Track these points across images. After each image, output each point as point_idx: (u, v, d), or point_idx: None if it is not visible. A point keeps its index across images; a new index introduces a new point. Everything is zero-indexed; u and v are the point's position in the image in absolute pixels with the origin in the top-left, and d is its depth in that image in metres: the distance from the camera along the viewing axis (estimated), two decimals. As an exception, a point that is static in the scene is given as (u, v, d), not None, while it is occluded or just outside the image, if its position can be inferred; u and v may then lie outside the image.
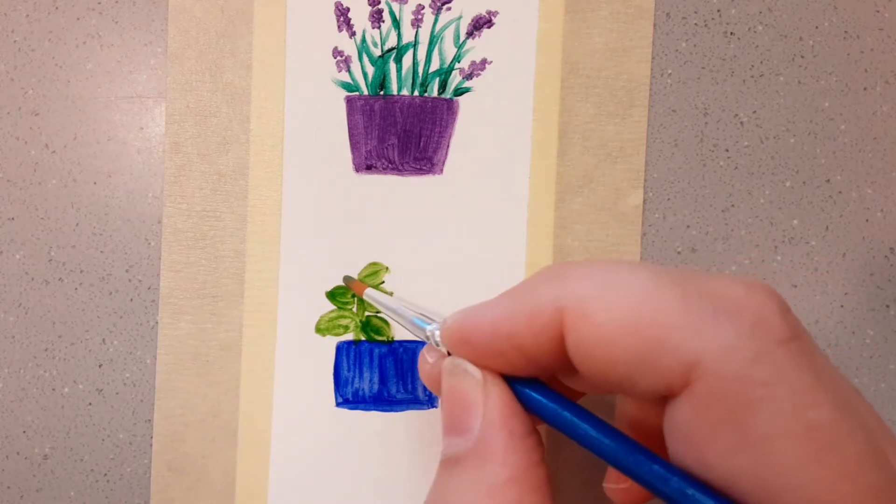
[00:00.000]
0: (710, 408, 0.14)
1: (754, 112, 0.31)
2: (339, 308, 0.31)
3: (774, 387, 0.13)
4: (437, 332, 0.20)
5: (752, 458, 0.13)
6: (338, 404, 0.30)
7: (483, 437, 0.16)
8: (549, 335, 0.16)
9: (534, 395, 0.17)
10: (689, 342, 0.14)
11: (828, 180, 0.31)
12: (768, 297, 0.15)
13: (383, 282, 0.31)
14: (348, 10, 0.31)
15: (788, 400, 0.13)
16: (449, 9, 0.31)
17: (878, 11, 0.31)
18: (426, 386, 0.21)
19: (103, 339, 0.31)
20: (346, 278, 0.30)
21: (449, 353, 0.19)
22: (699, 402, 0.14)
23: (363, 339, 0.30)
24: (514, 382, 0.18)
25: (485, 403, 0.17)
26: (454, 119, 0.31)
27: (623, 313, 0.15)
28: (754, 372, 0.14)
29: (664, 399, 0.15)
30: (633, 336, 0.15)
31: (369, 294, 0.27)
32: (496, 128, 0.31)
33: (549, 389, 0.18)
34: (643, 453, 0.15)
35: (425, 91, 0.31)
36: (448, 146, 0.31)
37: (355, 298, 0.31)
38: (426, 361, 0.21)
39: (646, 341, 0.15)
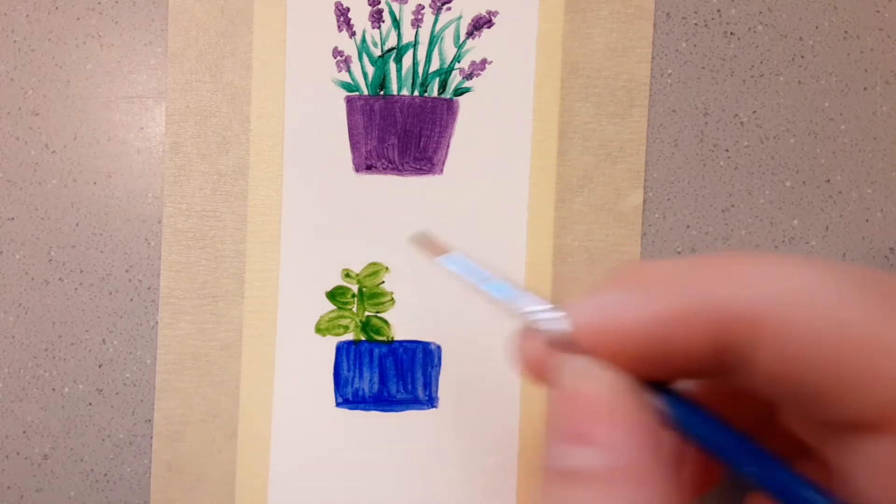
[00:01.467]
0: None
1: (754, 112, 0.31)
2: (339, 308, 0.31)
3: None
4: (550, 321, 0.17)
5: None
6: (338, 404, 0.30)
7: (623, 453, 0.14)
8: (723, 343, 0.14)
9: (674, 406, 0.15)
10: None
11: (828, 180, 0.31)
12: None
13: (383, 282, 0.31)
14: (348, 10, 0.31)
15: None
16: (449, 9, 0.31)
17: (878, 11, 0.31)
18: (524, 373, 0.18)
19: (103, 339, 0.31)
20: (419, 237, 0.23)
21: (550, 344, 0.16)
22: None
23: (363, 339, 0.30)
24: (655, 390, 0.15)
25: (625, 414, 0.14)
26: (454, 119, 0.31)
27: (822, 330, 0.13)
28: None
29: (847, 431, 0.14)
30: (834, 359, 0.13)
31: (449, 259, 0.21)
32: (496, 128, 0.31)
33: (688, 401, 0.15)
34: (825, 494, 0.14)
35: (425, 91, 0.31)
36: (448, 146, 0.31)
37: (355, 298, 0.31)
38: (528, 346, 0.17)
39: (850, 366, 0.13)
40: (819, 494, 0.13)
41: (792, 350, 0.13)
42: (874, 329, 0.12)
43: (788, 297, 0.13)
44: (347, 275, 0.31)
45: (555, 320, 0.16)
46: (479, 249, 0.31)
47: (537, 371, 0.17)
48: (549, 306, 0.17)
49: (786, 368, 0.13)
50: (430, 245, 0.22)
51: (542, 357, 0.16)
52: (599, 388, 0.15)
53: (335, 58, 0.31)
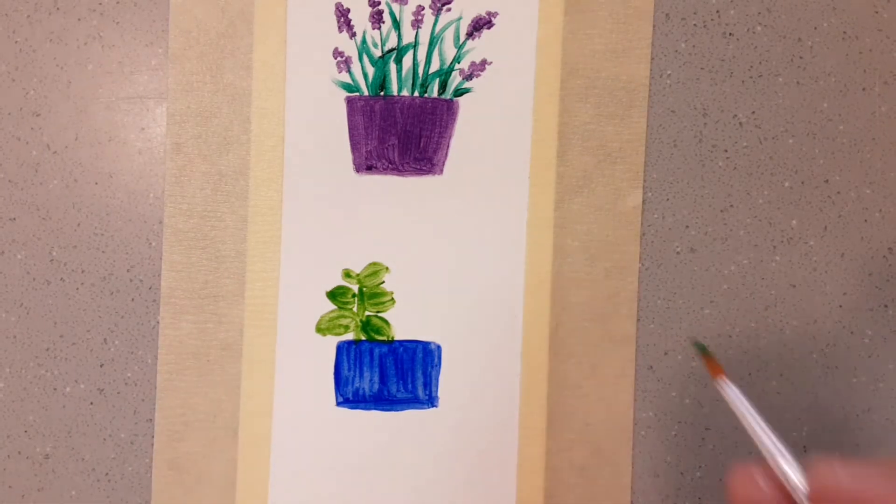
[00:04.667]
0: None
1: (753, 113, 0.31)
2: (339, 308, 0.31)
3: None
4: (793, 474, 0.18)
5: None
6: (338, 404, 0.30)
7: None
8: None
9: None
10: None
11: (826, 181, 0.31)
12: None
13: (383, 282, 0.31)
14: (348, 10, 0.31)
15: None
16: (449, 10, 0.31)
17: (876, 12, 0.31)
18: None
19: (104, 339, 0.31)
20: (701, 348, 0.24)
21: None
22: None
23: (363, 338, 0.31)
24: None
25: None
26: (454, 119, 0.31)
27: None
28: None
29: None
30: None
31: (731, 393, 0.21)
32: (496, 128, 0.31)
33: None
34: None
35: (425, 92, 0.31)
36: (448, 146, 0.31)
37: (355, 298, 0.31)
38: (754, 484, 0.18)
39: None
40: None
41: None
42: None
43: None
44: (348, 275, 0.31)
45: (798, 477, 0.17)
46: (480, 249, 0.31)
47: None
48: (795, 464, 0.18)
49: None
50: (710, 363, 0.23)
51: (759, 500, 0.17)
52: None
53: (335, 58, 0.31)
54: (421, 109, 0.31)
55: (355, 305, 0.31)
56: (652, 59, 0.31)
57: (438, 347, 0.31)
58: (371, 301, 0.31)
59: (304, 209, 0.31)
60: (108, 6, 0.31)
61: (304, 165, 0.31)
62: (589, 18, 0.31)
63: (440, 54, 0.31)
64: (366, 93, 0.31)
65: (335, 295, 0.31)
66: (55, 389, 0.31)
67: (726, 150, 0.31)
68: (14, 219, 0.31)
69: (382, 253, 0.31)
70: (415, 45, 0.31)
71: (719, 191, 0.31)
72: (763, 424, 0.19)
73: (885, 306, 0.31)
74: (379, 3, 0.31)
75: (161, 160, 0.31)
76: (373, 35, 0.31)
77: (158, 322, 0.31)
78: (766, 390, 0.31)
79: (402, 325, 0.31)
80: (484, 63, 0.31)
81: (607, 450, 0.30)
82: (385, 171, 0.31)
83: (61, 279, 0.31)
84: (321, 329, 0.31)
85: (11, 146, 0.31)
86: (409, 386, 0.31)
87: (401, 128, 0.31)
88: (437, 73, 0.31)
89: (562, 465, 0.30)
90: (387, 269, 0.31)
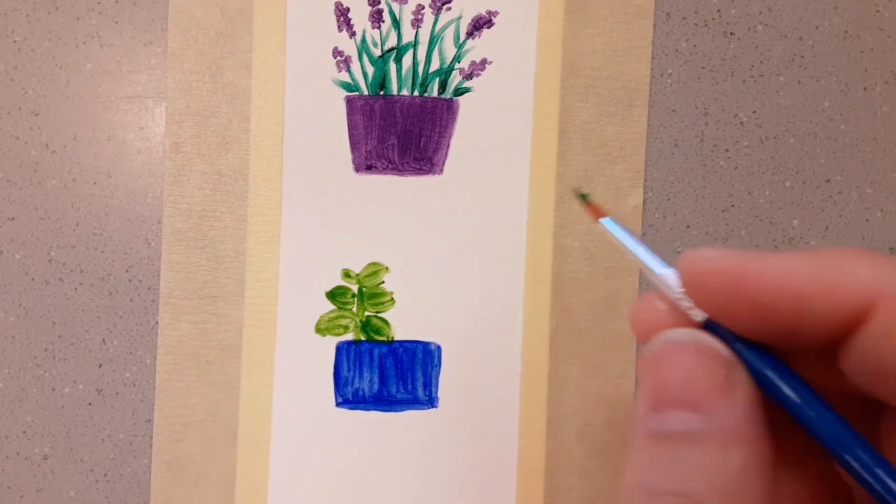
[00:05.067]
0: None
1: (754, 112, 0.31)
2: (339, 308, 0.31)
3: None
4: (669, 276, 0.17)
5: None
6: (338, 404, 0.30)
7: (723, 418, 0.14)
8: (846, 313, 0.14)
9: (776, 377, 0.15)
10: None
11: (828, 180, 0.31)
12: None
13: (383, 282, 0.31)
14: (348, 10, 0.31)
15: None
16: (449, 9, 0.31)
17: (878, 11, 0.31)
18: (636, 336, 0.17)
19: (103, 340, 0.31)
20: (580, 193, 0.23)
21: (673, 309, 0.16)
22: None
23: (363, 339, 0.30)
24: (755, 356, 0.15)
25: (733, 382, 0.15)
26: (454, 119, 0.31)
27: None
28: None
29: None
30: None
31: (607, 224, 0.21)
32: (496, 128, 0.31)
33: (788, 368, 0.16)
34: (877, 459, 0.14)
35: (425, 91, 0.31)
36: (448, 146, 0.31)
37: (355, 298, 0.31)
38: (651, 308, 0.17)
39: None
40: None
41: None
42: None
43: None
44: (347, 275, 0.31)
45: (673, 279, 0.16)
46: (480, 249, 0.31)
47: (649, 332, 0.17)
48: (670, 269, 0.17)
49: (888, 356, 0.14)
50: (593, 208, 0.22)
51: (658, 321, 0.16)
52: (717, 354, 0.15)
53: (335, 58, 0.31)
54: (421, 109, 0.31)
55: (355, 306, 0.31)
56: (653, 58, 0.31)
57: (438, 348, 0.30)
58: (371, 301, 0.31)
59: (303, 209, 0.30)
60: (106, 6, 0.31)
61: (304, 165, 0.31)
62: (589, 17, 0.31)
63: (440, 53, 0.31)
64: (365, 92, 0.31)
65: (335, 295, 0.31)
66: (53, 390, 0.31)
67: (727, 150, 0.31)
68: (13, 218, 0.31)
69: (382, 253, 0.31)
70: (415, 45, 0.31)
71: (720, 190, 0.31)
72: (645, 249, 0.18)
73: (887, 306, 0.31)
74: (379, 3, 0.31)
75: (160, 160, 0.31)
76: (372, 34, 0.31)
77: (157, 322, 0.30)
78: (767, 391, 0.31)
79: (402, 325, 0.30)
80: (484, 62, 0.31)
81: (607, 450, 0.30)
82: (385, 170, 0.31)
83: (60, 279, 0.31)
84: (321, 329, 0.30)
85: (10, 145, 0.31)
86: (409, 386, 0.30)
87: (401, 127, 0.31)
88: (437, 73, 0.31)
89: (562, 465, 0.30)
90: (387, 269, 0.31)
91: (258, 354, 0.30)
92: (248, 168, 0.30)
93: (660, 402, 0.15)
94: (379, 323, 0.31)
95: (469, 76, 0.31)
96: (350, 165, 0.31)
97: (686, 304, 0.16)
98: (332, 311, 0.31)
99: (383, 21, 0.31)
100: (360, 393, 0.30)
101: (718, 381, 0.15)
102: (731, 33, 0.31)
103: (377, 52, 0.31)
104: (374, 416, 0.30)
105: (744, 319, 0.15)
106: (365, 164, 0.31)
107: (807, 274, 0.14)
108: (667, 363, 0.15)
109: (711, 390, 0.15)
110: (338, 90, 0.31)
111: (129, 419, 0.31)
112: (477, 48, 0.31)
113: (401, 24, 0.31)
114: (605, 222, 0.20)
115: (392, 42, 0.31)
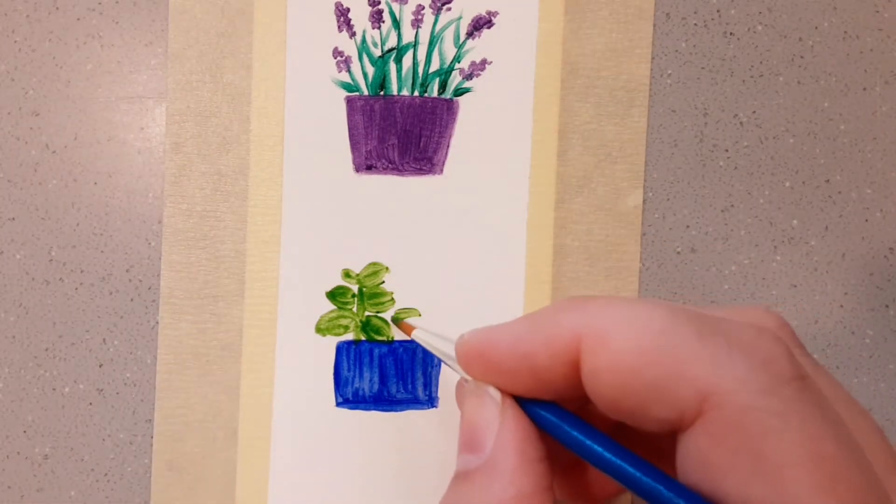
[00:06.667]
0: (725, 437, 0.15)
1: (754, 112, 0.31)
2: (339, 308, 0.31)
3: (786, 417, 0.14)
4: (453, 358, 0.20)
5: (767, 485, 0.14)
6: (338, 404, 0.30)
7: (495, 456, 0.17)
8: (564, 359, 0.17)
9: (548, 415, 0.18)
10: (704, 374, 0.15)
11: (827, 180, 0.31)
12: (776, 342, 0.16)
13: (383, 282, 0.31)
14: (348, 10, 0.31)
15: (799, 431, 0.14)
16: (449, 9, 0.31)
17: (877, 12, 0.31)
18: (459, 409, 0.21)
19: (104, 339, 0.31)
20: (395, 318, 0.30)
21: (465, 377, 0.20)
22: (714, 431, 0.15)
23: (363, 339, 0.31)
24: (532, 405, 0.18)
25: (501, 424, 0.18)
26: (454, 119, 0.31)
27: (641, 342, 0.16)
28: (767, 403, 0.14)
29: (672, 431, 0.16)
30: (651, 365, 0.15)
31: (418, 335, 0.24)
32: (496, 128, 0.31)
33: (566, 411, 0.18)
34: (659, 475, 0.16)
35: (425, 91, 0.31)
36: (448, 146, 0.31)
37: (355, 298, 0.31)
38: (460, 386, 0.21)
39: (662, 371, 0.15)
40: (685, 495, 0.15)
41: (612, 363, 0.16)
42: (679, 340, 0.15)
43: (611, 321, 0.16)
44: (347, 275, 0.31)
45: (453, 358, 0.20)
46: (480, 249, 0.31)
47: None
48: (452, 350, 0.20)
49: (611, 378, 0.16)
50: (404, 326, 0.27)
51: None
52: (484, 403, 0.18)
53: (335, 58, 0.31)
54: (421, 109, 0.31)
55: (355, 306, 0.31)
56: (652, 58, 0.31)
57: (438, 347, 0.30)
58: (371, 301, 0.31)
59: (303, 209, 0.31)
60: (107, 6, 0.31)
61: (304, 165, 0.31)
62: (589, 18, 0.31)
63: (440, 54, 0.31)
64: (365, 92, 0.31)
65: (335, 295, 0.31)
66: (54, 389, 0.31)
67: (727, 150, 0.31)
68: (13, 218, 0.31)
69: (382, 253, 0.31)
70: (415, 45, 0.31)
71: (720, 190, 0.31)
72: (441, 344, 0.22)
73: (887, 306, 0.31)
74: (379, 3, 0.31)
75: (160, 160, 0.31)
76: (373, 34, 0.31)
77: (158, 322, 0.30)
78: (767, 390, 0.31)
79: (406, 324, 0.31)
80: (484, 63, 0.31)
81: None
82: (385, 170, 0.31)
83: (60, 279, 0.31)
84: (321, 329, 0.30)
85: (10, 146, 0.31)
86: (409, 386, 0.31)
87: (401, 127, 0.31)
88: (437, 73, 0.31)
89: (562, 465, 0.30)
90: (387, 269, 0.31)
91: (258, 354, 0.30)
92: (248, 168, 0.30)
93: (458, 447, 0.19)
94: (379, 323, 0.31)
95: (469, 76, 0.31)
96: (350, 165, 0.31)
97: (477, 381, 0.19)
98: (332, 311, 0.31)
99: (383, 21, 0.31)
100: (361, 393, 0.30)
101: (491, 418, 0.18)
102: (731, 33, 0.31)
103: (377, 53, 0.31)
104: (374, 415, 0.30)
105: (513, 382, 0.18)
106: (365, 164, 0.31)
107: (527, 335, 0.17)
108: (461, 411, 0.19)
109: (485, 429, 0.18)
110: (338, 90, 0.31)
111: (130, 419, 0.31)
112: (477, 48, 0.31)
113: (401, 24, 0.31)
114: (416, 335, 0.24)
115: (392, 42, 0.31)
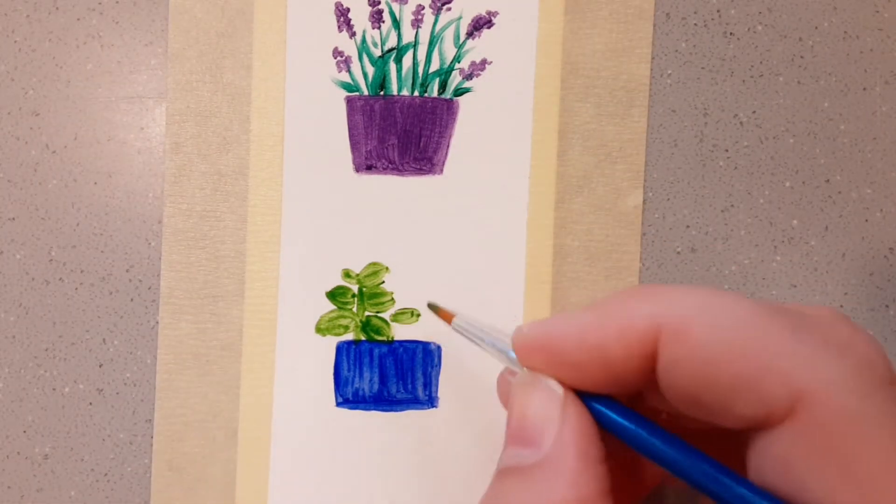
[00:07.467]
0: (816, 439, 0.14)
1: (754, 112, 0.31)
2: (339, 308, 0.31)
3: (882, 424, 0.14)
4: (505, 351, 0.19)
5: (857, 494, 0.13)
6: (338, 404, 0.30)
7: (555, 454, 0.16)
8: (639, 350, 0.16)
9: (613, 415, 0.17)
10: (799, 371, 0.14)
11: (827, 180, 0.31)
12: (872, 343, 0.15)
13: (383, 282, 0.31)
14: (348, 10, 0.31)
15: (894, 439, 0.13)
16: (449, 9, 0.31)
17: (877, 12, 0.31)
18: (502, 405, 0.20)
19: (104, 339, 0.31)
20: (432, 305, 0.27)
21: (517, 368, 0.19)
22: (804, 433, 0.14)
23: (363, 339, 0.31)
24: (591, 400, 0.17)
25: (562, 420, 0.16)
26: (454, 119, 0.31)
27: (728, 334, 0.15)
28: (864, 407, 0.14)
29: (752, 428, 0.15)
30: (739, 358, 0.14)
31: (458, 324, 0.24)
32: (496, 128, 0.31)
33: (627, 409, 0.17)
34: (730, 475, 0.15)
35: (425, 91, 0.31)
36: (448, 146, 0.31)
37: (355, 298, 0.31)
38: (504, 381, 0.20)
39: (752, 364, 0.14)
40: (750, 492, 0.15)
41: (695, 355, 0.15)
42: (771, 333, 0.15)
43: (694, 310, 0.15)
44: (347, 275, 0.31)
45: (506, 349, 0.19)
46: (480, 249, 0.31)
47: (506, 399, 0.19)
48: (506, 340, 0.19)
49: (692, 371, 0.15)
50: (443, 313, 0.25)
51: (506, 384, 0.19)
52: (542, 396, 0.17)
53: (335, 58, 0.31)
54: (421, 109, 0.31)
55: (355, 305, 0.31)
56: (652, 58, 0.31)
57: (438, 347, 0.30)
58: (371, 301, 0.31)
59: (303, 209, 0.31)
60: (107, 6, 0.31)
61: (304, 165, 0.31)
62: (589, 18, 0.31)
63: (440, 54, 0.31)
64: (365, 92, 0.31)
65: (335, 295, 0.31)
66: (54, 389, 0.31)
67: (727, 150, 0.31)
68: (13, 218, 0.31)
69: (382, 253, 0.31)
70: (415, 45, 0.31)
71: (720, 190, 0.31)
72: (492, 335, 0.21)
73: (887, 306, 0.31)
74: (379, 3, 0.31)
75: (160, 160, 0.31)
76: (373, 34, 0.31)
77: (158, 322, 0.30)
78: (767, 390, 0.31)
79: (402, 325, 0.31)
80: (484, 63, 0.31)
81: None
82: (385, 170, 0.31)
83: (60, 279, 0.31)
84: (321, 329, 0.30)
85: (10, 146, 0.31)
86: (409, 386, 0.31)
87: (401, 127, 0.31)
88: (437, 73, 0.31)
89: (562, 465, 0.30)
90: (387, 269, 0.31)
91: (258, 354, 0.30)
92: (248, 168, 0.30)
93: (506, 440, 0.17)
94: (379, 323, 0.31)
95: (469, 76, 0.31)
96: (350, 165, 0.31)
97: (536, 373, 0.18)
98: (332, 311, 0.31)
99: (383, 21, 0.31)
100: (361, 393, 0.30)
101: (550, 413, 0.17)
102: (731, 33, 0.31)
103: (377, 53, 0.31)
104: (374, 415, 0.30)
105: (577, 375, 0.17)
106: (365, 164, 0.31)
107: (597, 326, 0.16)
108: (511, 403, 0.18)
109: (542, 424, 0.17)
110: (338, 90, 0.31)
111: (130, 419, 0.31)
112: (477, 48, 0.31)
113: (401, 24, 0.31)
114: (455, 322, 0.23)
115: (392, 42, 0.31)
